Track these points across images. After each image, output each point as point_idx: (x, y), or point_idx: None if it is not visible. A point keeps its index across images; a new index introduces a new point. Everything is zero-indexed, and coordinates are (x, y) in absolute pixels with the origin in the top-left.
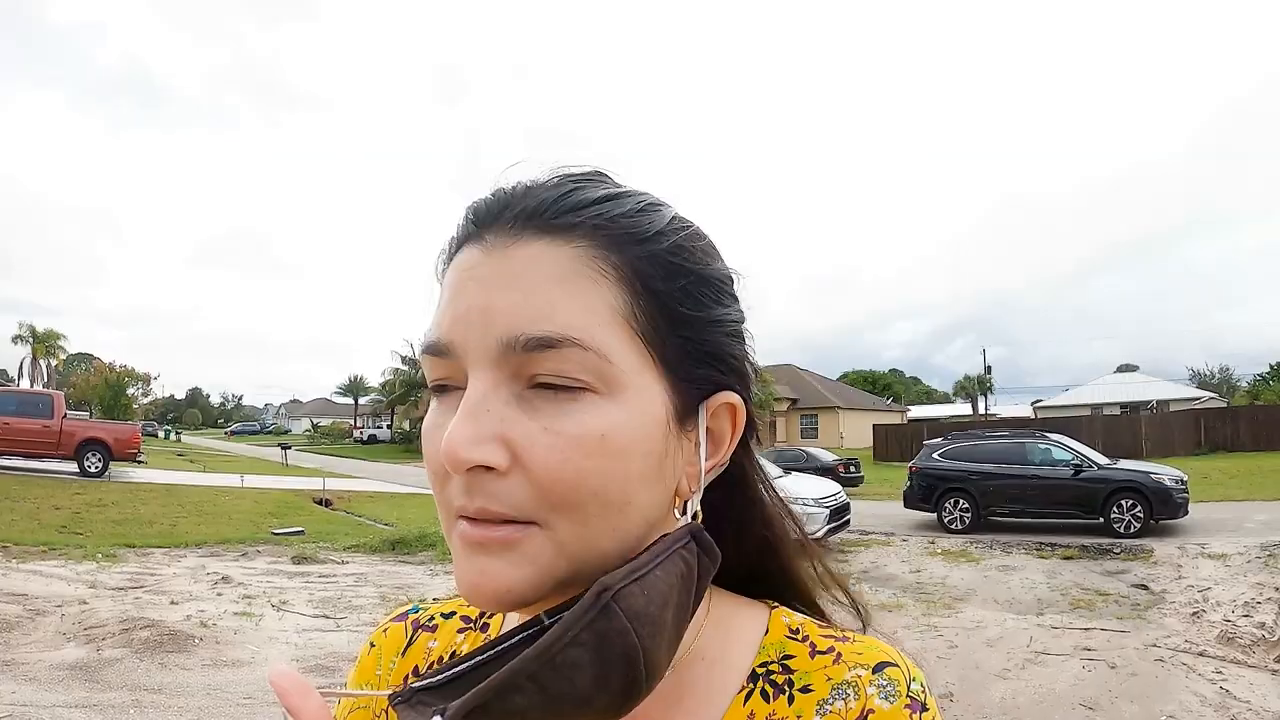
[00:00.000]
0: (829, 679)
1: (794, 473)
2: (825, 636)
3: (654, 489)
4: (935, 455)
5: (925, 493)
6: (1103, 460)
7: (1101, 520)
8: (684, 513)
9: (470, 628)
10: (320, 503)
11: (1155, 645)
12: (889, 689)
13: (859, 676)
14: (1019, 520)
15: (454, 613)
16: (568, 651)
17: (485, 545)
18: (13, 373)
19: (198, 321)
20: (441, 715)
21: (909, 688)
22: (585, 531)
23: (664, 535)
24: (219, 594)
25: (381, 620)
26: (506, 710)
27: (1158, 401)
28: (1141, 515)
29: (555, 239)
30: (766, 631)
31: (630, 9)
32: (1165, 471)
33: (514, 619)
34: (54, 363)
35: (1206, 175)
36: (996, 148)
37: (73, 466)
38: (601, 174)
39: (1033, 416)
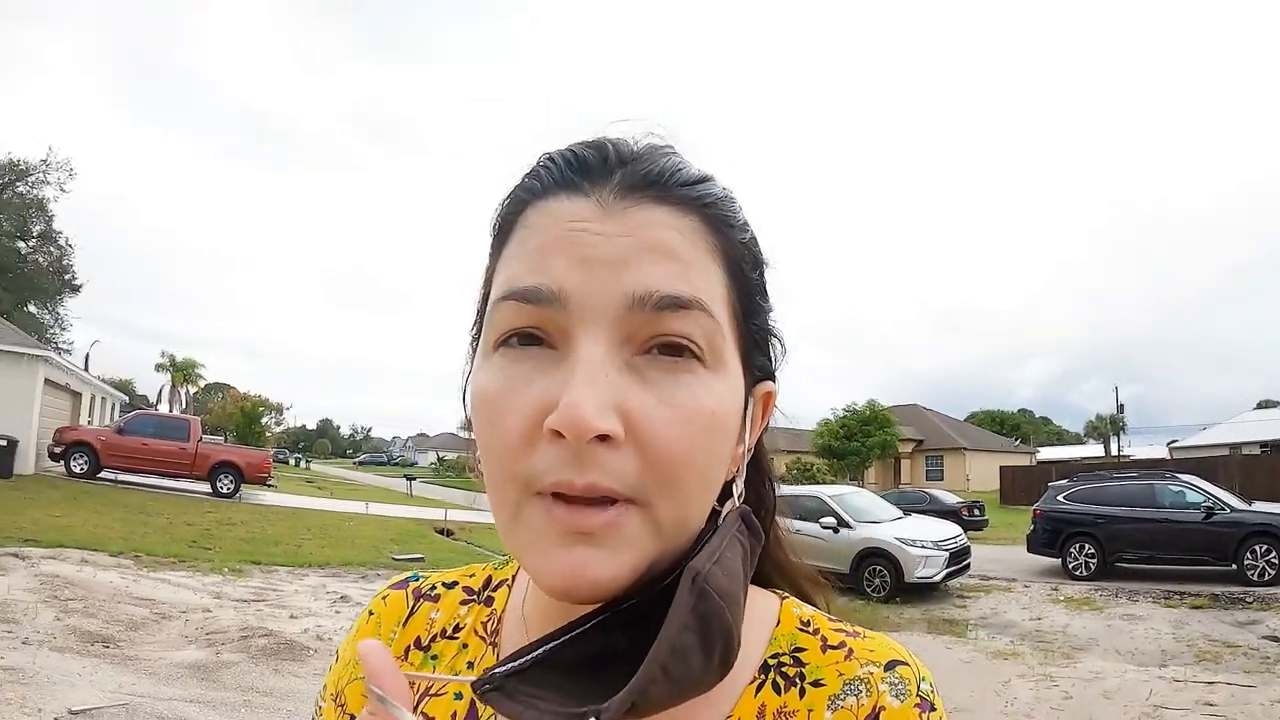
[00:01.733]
0: (840, 674)
1: (914, 514)
2: (836, 631)
3: (726, 469)
4: (1060, 498)
5: (1049, 537)
6: (1237, 502)
7: (1234, 566)
8: (729, 495)
9: (474, 600)
10: (442, 532)
11: None
12: (900, 687)
13: (871, 673)
14: (1147, 566)
15: (456, 583)
16: (683, 637)
17: (588, 535)
18: (154, 398)
19: (329, 354)
20: (598, 716)
21: (919, 687)
22: (682, 511)
23: (720, 517)
24: (337, 611)
25: (380, 587)
26: (649, 701)
27: None
28: (1277, 561)
29: (674, 209)
30: (778, 622)
31: (739, 48)
32: None
33: (520, 597)
34: (192, 390)
35: None
36: (1126, 163)
37: (206, 487)
38: (675, 149)
39: (1168, 457)
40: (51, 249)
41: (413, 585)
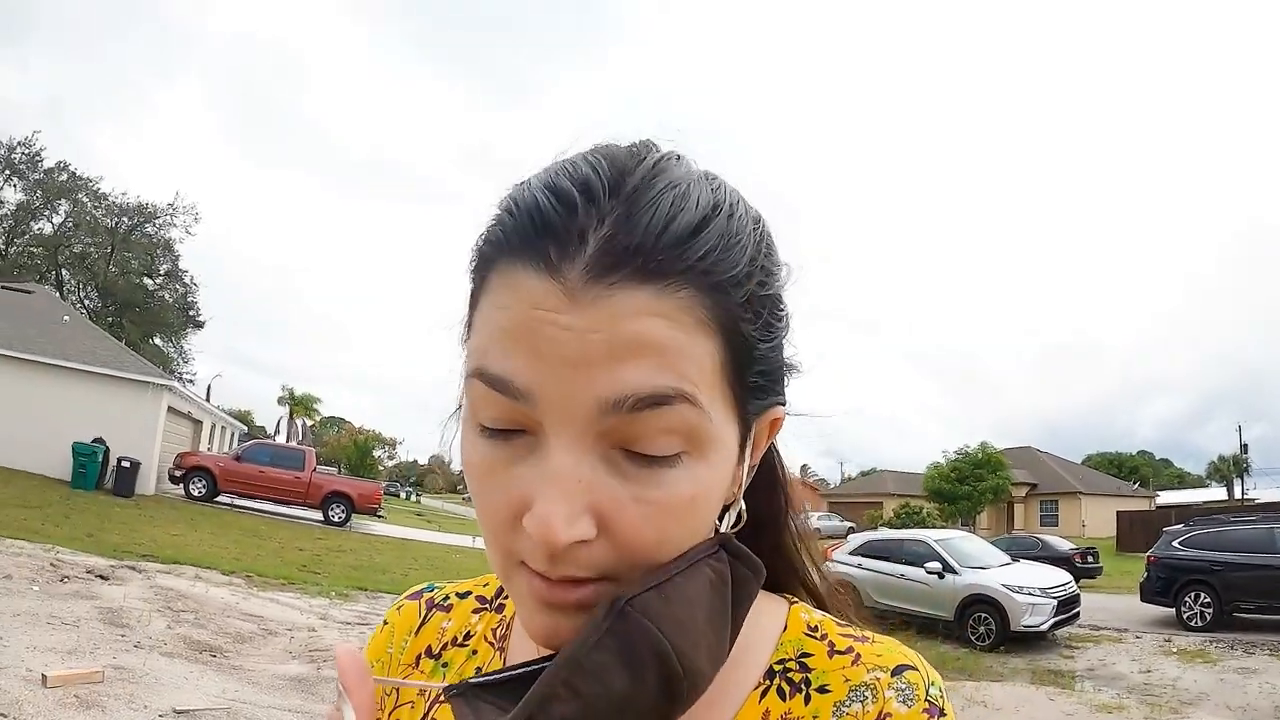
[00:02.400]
0: (847, 680)
1: (1023, 561)
2: (844, 636)
3: (717, 509)
4: (1175, 544)
5: (1164, 585)
6: None
7: None
8: (722, 516)
9: (486, 608)
10: None
11: None
12: (907, 692)
13: (877, 679)
14: (1266, 617)
15: (469, 592)
16: (592, 656)
17: (561, 607)
18: (272, 429)
19: (442, 391)
20: None
21: (927, 692)
22: (653, 569)
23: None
24: None
25: (399, 598)
26: (551, 718)
27: None
28: None
29: (658, 286)
30: (785, 628)
31: (847, 77)
32: None
33: None
34: (309, 423)
35: None
36: (1259, 181)
37: (318, 515)
38: (676, 155)
39: None
40: (177, 286)
41: (426, 595)
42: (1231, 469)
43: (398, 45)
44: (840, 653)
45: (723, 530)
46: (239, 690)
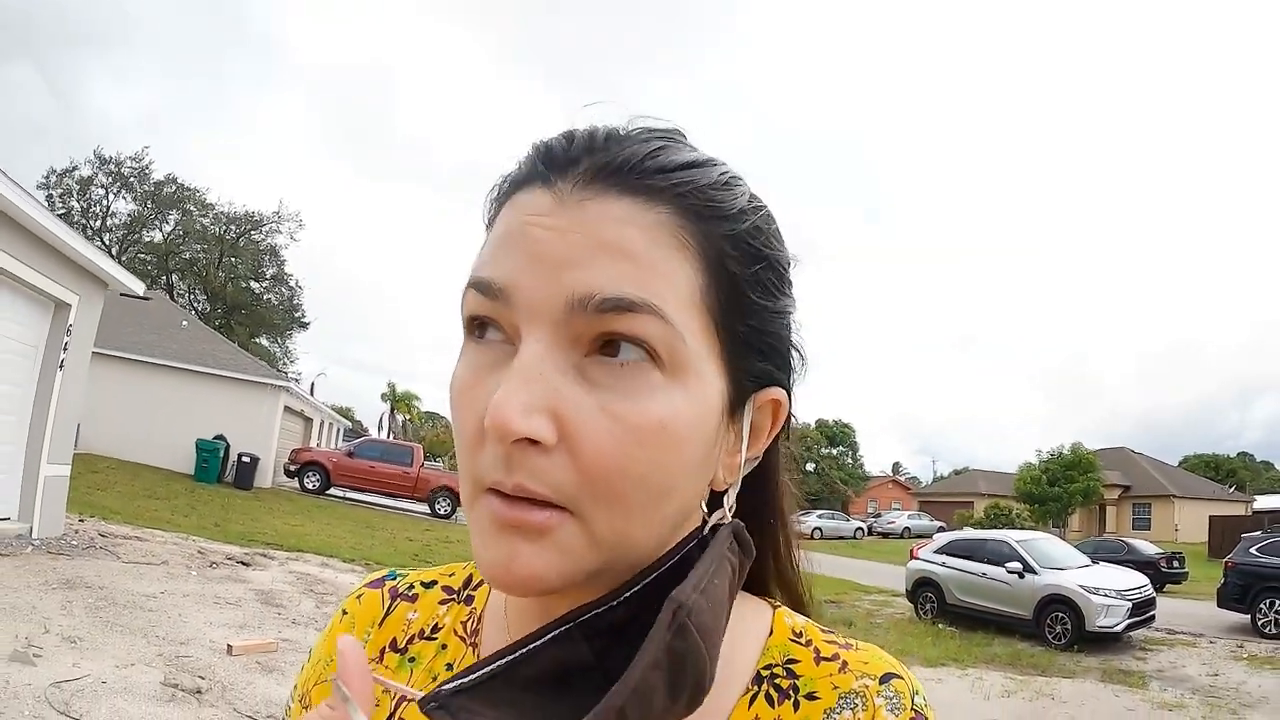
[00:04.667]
0: (835, 687)
1: (1103, 563)
2: (829, 642)
3: (696, 479)
4: (1253, 550)
5: (1240, 591)
6: None
7: None
8: (719, 505)
9: (453, 599)
10: None
11: None
12: (895, 701)
13: (866, 686)
14: None
15: (435, 582)
16: (650, 676)
17: (518, 527)
18: (370, 424)
19: None
20: None
21: (913, 700)
22: (623, 523)
23: (704, 530)
24: None
25: (356, 585)
26: None
27: None
28: None
29: (638, 200)
30: (770, 632)
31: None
32: None
33: (500, 596)
34: (406, 418)
35: None
36: None
37: (424, 507)
38: (680, 133)
39: None
40: (283, 289)
41: (389, 584)
42: None
43: (491, 53)
44: (826, 659)
45: (711, 521)
46: None
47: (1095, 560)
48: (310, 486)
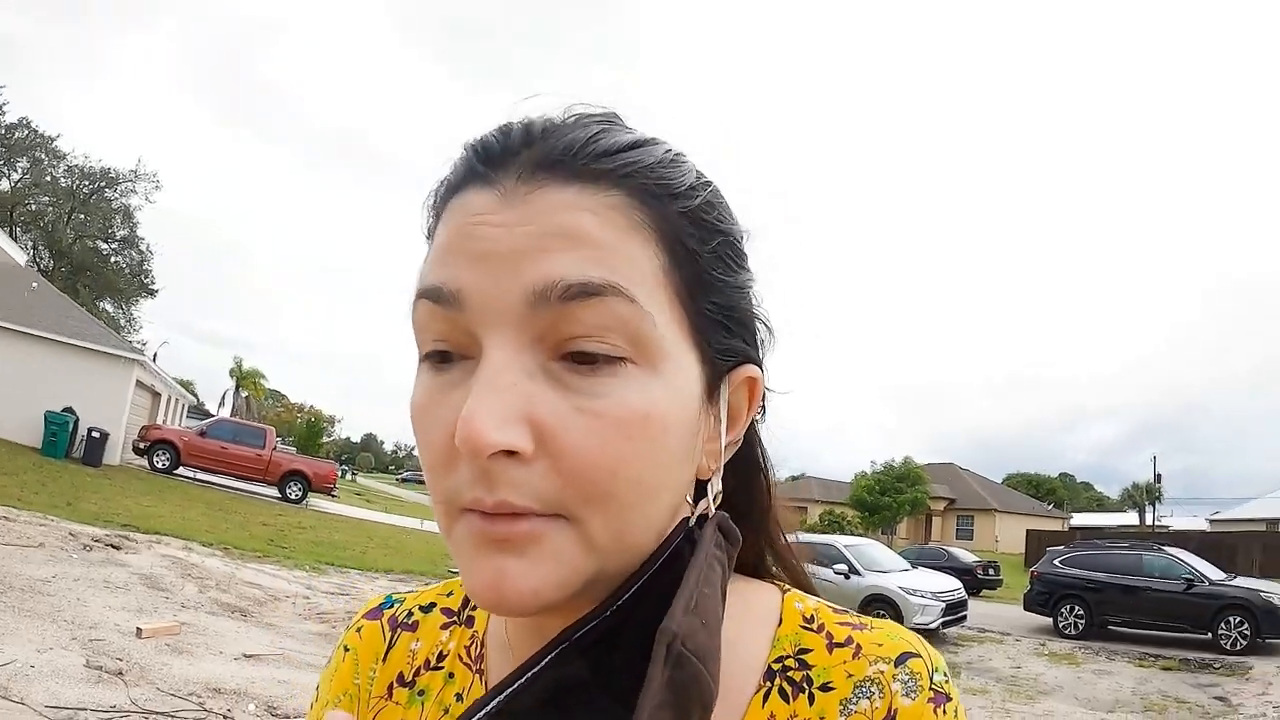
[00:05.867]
0: (850, 675)
1: (922, 568)
2: (842, 625)
3: (684, 471)
4: (1056, 562)
5: (1044, 598)
6: (1216, 575)
7: (1210, 635)
8: (703, 494)
9: (455, 622)
10: None
11: None
12: (912, 683)
13: (881, 672)
14: (1132, 630)
15: (433, 604)
16: (658, 715)
17: (504, 542)
18: (210, 400)
19: (381, 370)
20: None
21: (931, 679)
22: (618, 524)
23: (687, 523)
24: None
25: (354, 616)
26: None
27: None
28: (1248, 633)
29: (586, 186)
30: (780, 621)
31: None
32: (1277, 590)
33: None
34: (246, 395)
35: None
36: (1206, 234)
37: (275, 491)
38: (617, 116)
39: (1207, 530)
40: (132, 253)
41: (387, 613)
42: (1144, 496)
43: (379, 18)
44: (840, 645)
45: (698, 512)
46: (282, 641)
47: (916, 566)
48: (160, 466)
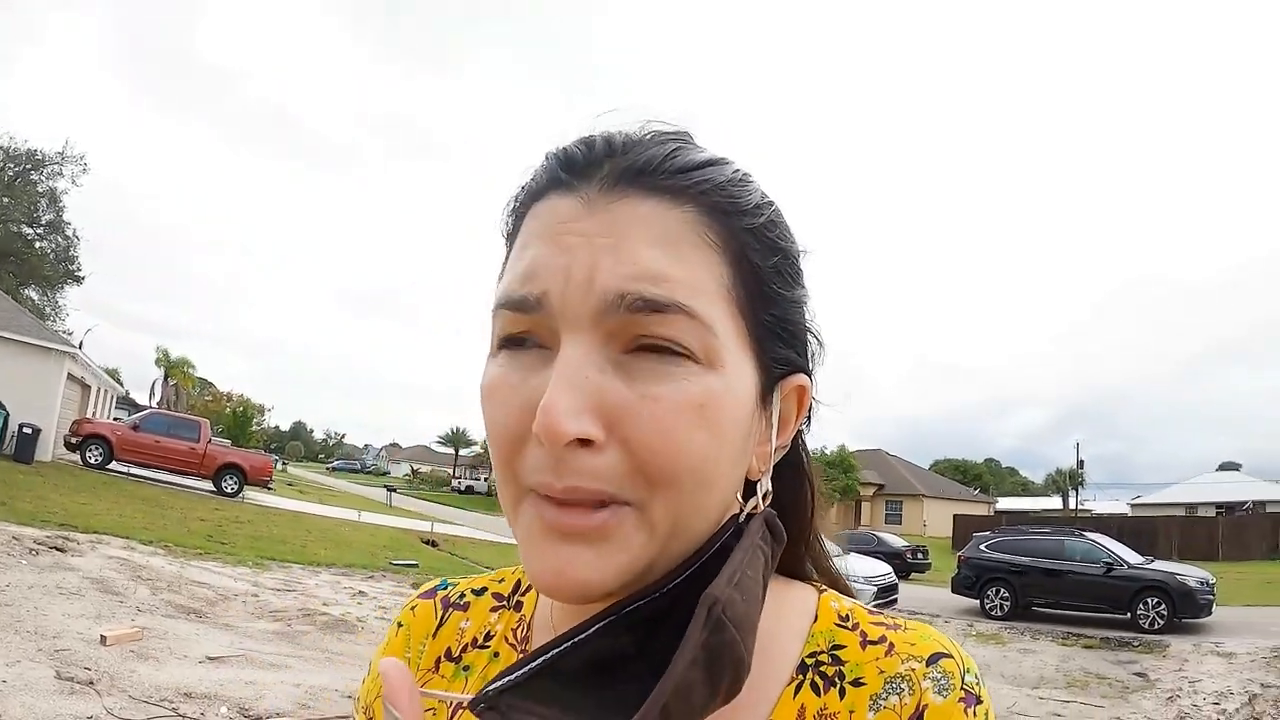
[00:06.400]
0: (881, 671)
1: (853, 553)
2: (876, 625)
3: (737, 468)
4: (982, 547)
5: (971, 581)
6: (1135, 559)
7: (1129, 615)
8: (752, 494)
9: (504, 606)
10: (427, 543)
11: (1119, 719)
12: (943, 682)
13: (913, 670)
14: (1054, 611)
15: (485, 589)
16: (689, 673)
17: (576, 534)
18: (137, 390)
19: (309, 355)
20: None
21: (963, 679)
22: (679, 511)
23: (737, 520)
24: (359, 603)
25: (410, 596)
26: None
27: (1254, 503)
28: (1165, 613)
29: (663, 201)
30: (815, 618)
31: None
32: (1192, 573)
33: (548, 600)
34: (174, 383)
35: None
36: (1130, 229)
37: (210, 485)
38: (690, 135)
39: (1128, 514)
40: (58, 239)
41: (441, 594)
42: (1068, 481)
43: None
44: (873, 643)
45: (746, 510)
46: (241, 642)
47: (847, 550)
48: (92, 461)
